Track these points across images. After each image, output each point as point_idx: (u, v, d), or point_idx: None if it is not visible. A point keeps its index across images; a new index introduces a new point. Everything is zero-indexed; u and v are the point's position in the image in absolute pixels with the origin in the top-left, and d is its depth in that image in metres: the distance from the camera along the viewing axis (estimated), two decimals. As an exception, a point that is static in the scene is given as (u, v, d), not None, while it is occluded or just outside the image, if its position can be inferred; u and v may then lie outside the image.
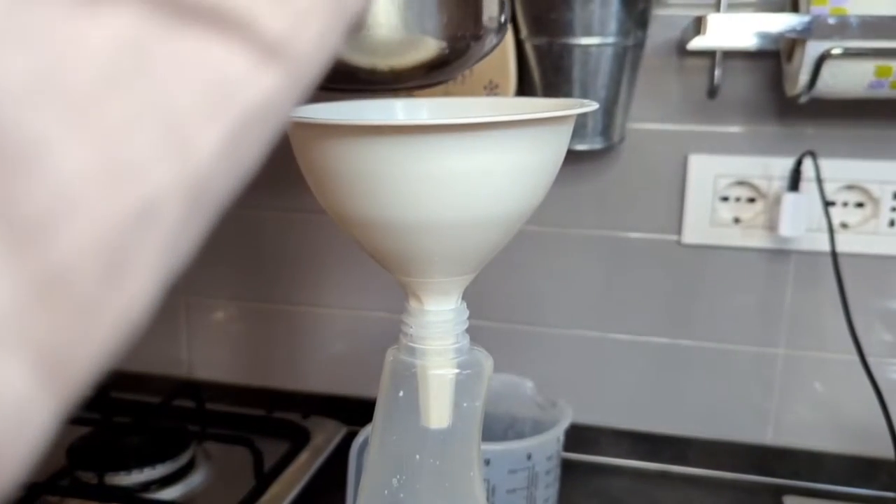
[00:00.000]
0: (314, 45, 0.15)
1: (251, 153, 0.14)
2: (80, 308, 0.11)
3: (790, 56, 0.62)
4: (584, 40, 0.62)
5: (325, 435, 0.76)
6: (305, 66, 0.15)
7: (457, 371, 0.37)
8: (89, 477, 0.65)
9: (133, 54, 0.12)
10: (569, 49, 0.62)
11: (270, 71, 0.14)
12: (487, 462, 0.55)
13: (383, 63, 0.41)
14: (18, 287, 0.10)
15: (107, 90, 0.11)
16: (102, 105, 0.11)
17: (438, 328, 0.37)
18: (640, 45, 0.65)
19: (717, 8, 0.66)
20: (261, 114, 0.14)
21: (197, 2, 0.12)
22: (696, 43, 0.63)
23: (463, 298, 0.38)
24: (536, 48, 0.64)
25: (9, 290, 0.10)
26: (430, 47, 0.42)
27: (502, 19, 0.44)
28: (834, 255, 0.65)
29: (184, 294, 0.84)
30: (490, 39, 0.44)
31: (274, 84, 0.14)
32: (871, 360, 0.64)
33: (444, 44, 0.42)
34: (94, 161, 0.11)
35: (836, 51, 0.57)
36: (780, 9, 0.65)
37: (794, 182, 0.66)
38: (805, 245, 0.69)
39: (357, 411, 0.79)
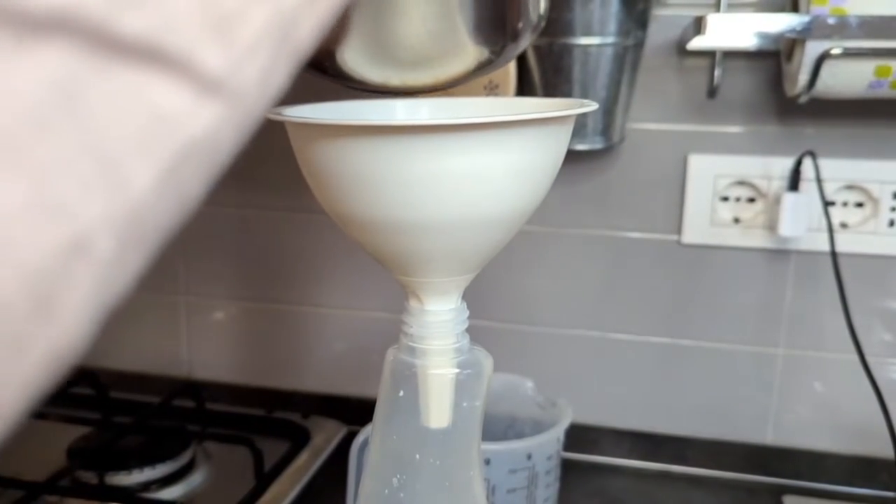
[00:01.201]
0: (258, 81, 0.15)
1: (193, 186, 0.15)
2: (8, 343, 0.11)
3: (790, 56, 0.62)
4: (584, 40, 0.62)
5: (326, 435, 0.76)
6: (249, 101, 0.15)
7: (457, 371, 0.37)
8: (89, 477, 0.65)
9: (64, 93, 0.12)
10: (569, 49, 0.62)
11: (210, 106, 0.14)
12: (487, 462, 0.55)
13: (397, 78, 0.39)
14: None
15: (35, 130, 0.11)
16: (31, 145, 0.11)
17: (438, 328, 0.37)
18: (639, 45, 0.65)
19: (716, 8, 0.66)
20: (201, 148, 0.14)
21: (133, 39, 0.13)
22: (696, 43, 0.63)
23: (463, 298, 0.38)
24: (536, 48, 0.64)
25: None
26: (463, 62, 0.40)
27: (542, 10, 0.40)
28: (834, 254, 0.65)
29: (184, 294, 0.85)
30: (527, 38, 0.41)
31: (214, 119, 0.14)
32: (870, 359, 0.64)
33: (483, 53, 0.40)
34: (21, 200, 0.11)
35: (835, 51, 0.57)
36: (779, 9, 0.65)
37: (794, 182, 0.66)
38: (805, 245, 0.69)
39: (357, 411, 0.79)
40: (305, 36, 0.16)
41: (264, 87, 0.15)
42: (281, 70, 0.16)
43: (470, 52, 0.39)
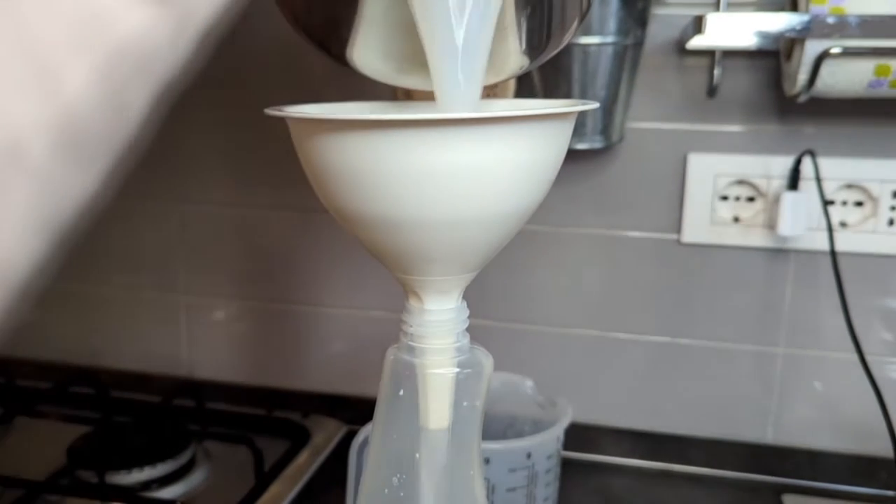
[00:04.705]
0: None
1: (132, 94, 0.14)
2: None
3: (789, 55, 0.62)
4: (584, 39, 0.62)
5: (326, 434, 0.76)
6: (191, 8, 0.14)
7: (457, 370, 0.37)
8: (90, 476, 0.65)
9: None
10: (568, 48, 0.62)
11: (144, 6, 0.13)
12: (487, 461, 0.55)
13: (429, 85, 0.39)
14: None
15: None
16: None
17: (438, 327, 0.37)
18: (639, 45, 0.65)
19: (716, 7, 0.66)
20: (136, 50, 0.14)
21: None
22: (696, 42, 0.63)
23: (463, 297, 0.38)
24: (536, 47, 0.64)
25: None
26: (507, 68, 0.40)
27: (582, 6, 0.40)
28: (833, 254, 0.65)
29: (184, 294, 0.85)
30: (571, 32, 0.41)
31: (149, 20, 0.14)
32: (870, 358, 0.64)
33: (525, 61, 0.40)
34: None
35: (835, 50, 0.57)
36: (779, 8, 0.65)
37: (794, 181, 0.66)
38: (804, 244, 0.69)
39: (357, 410, 0.79)
40: None
41: None
42: None
43: (512, 62, 0.39)
